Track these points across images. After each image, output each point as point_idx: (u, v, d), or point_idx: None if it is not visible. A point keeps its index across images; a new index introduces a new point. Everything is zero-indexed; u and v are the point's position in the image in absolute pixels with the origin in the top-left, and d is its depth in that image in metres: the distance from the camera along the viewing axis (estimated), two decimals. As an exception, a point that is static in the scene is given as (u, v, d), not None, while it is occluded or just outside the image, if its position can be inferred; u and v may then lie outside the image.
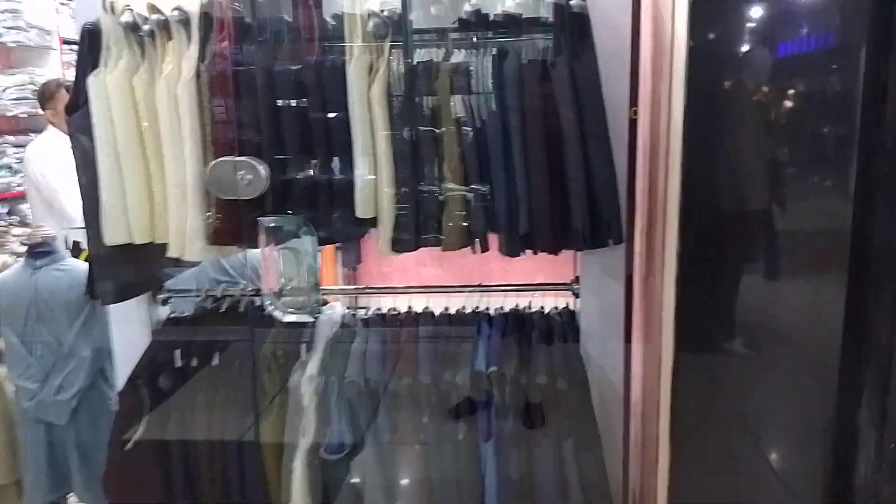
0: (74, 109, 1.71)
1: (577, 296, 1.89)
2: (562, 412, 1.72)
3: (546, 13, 1.71)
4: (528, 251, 1.73)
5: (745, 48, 1.60)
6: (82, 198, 1.73)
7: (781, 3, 1.61)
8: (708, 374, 1.81)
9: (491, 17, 1.59)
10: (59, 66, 4.22)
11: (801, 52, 1.55)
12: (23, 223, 3.85)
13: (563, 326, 1.90)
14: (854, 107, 1.38)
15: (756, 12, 1.67)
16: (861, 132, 1.35)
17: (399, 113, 1.66)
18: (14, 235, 3.75)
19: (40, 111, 3.97)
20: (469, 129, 1.67)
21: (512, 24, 1.59)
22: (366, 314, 1.95)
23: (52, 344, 2.02)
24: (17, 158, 3.85)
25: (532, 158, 1.64)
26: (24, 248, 2.07)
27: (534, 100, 1.64)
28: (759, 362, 1.80)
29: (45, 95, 3.18)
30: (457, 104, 1.70)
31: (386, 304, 2.03)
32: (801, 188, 1.68)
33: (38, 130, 4.09)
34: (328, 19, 1.78)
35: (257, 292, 1.93)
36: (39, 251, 2.02)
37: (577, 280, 1.89)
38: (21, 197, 3.91)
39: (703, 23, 1.60)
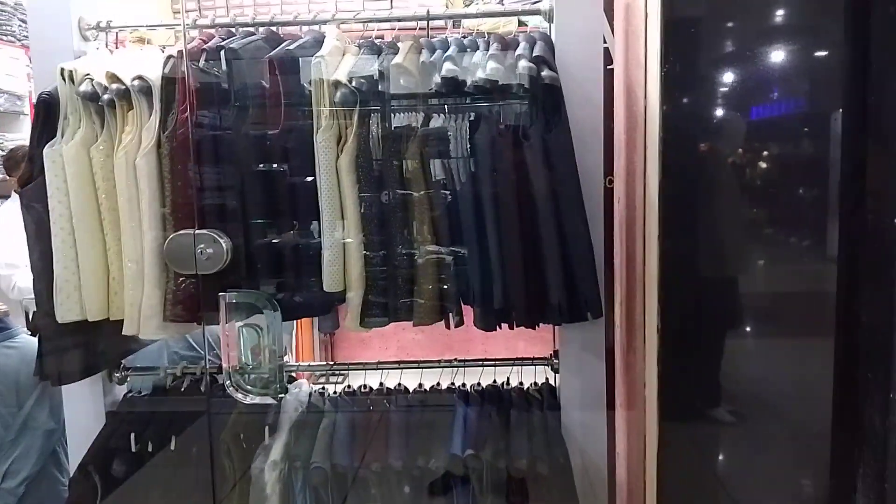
0: (28, 181, 1.64)
1: (556, 371, 1.81)
2: (543, 497, 1.62)
3: (518, 88, 1.69)
4: (504, 325, 1.67)
5: (718, 117, 1.58)
6: (33, 273, 1.64)
7: (753, 70, 1.59)
8: (695, 450, 1.72)
9: (466, 86, 1.56)
10: (29, 132, 4.15)
11: (775, 116, 1.54)
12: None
13: (543, 404, 1.81)
14: (830, 168, 1.36)
15: (728, 81, 1.66)
16: (840, 193, 1.32)
17: (372, 185, 1.60)
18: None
19: (6, 177, 3.91)
20: (443, 199, 1.62)
21: (487, 90, 1.56)
22: (334, 392, 1.85)
23: (-3, 427, 1.89)
24: (-19, 225, 3.74)
25: (506, 231, 1.59)
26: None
27: (507, 171, 1.60)
28: (748, 435, 1.73)
29: (11, 163, 3.11)
30: (433, 173, 1.65)
31: (360, 377, 1.94)
32: (780, 253, 1.64)
33: (4, 195, 4.01)
34: (306, 85, 1.74)
35: (220, 370, 1.83)
36: (-11, 327, 1.91)
37: (555, 354, 1.82)
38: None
39: (676, 95, 1.58)
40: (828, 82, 1.41)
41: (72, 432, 1.82)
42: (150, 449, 1.74)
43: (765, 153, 1.62)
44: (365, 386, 1.88)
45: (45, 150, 1.61)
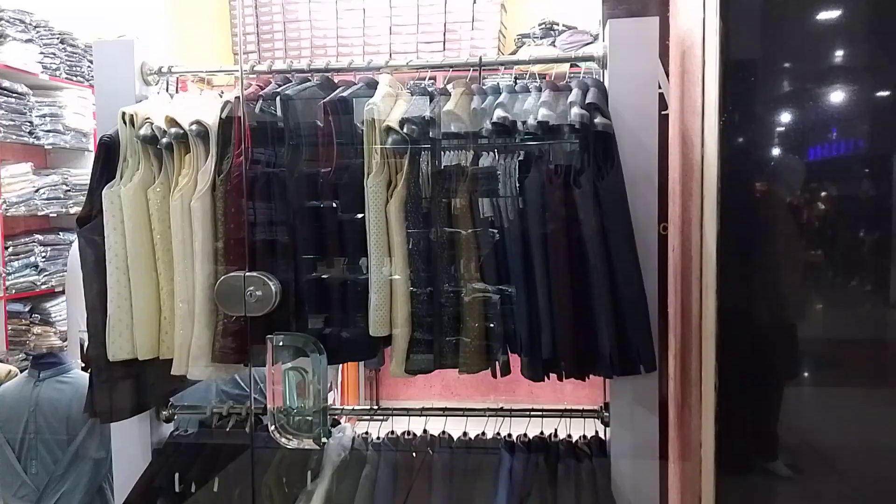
0: (86, 221, 1.68)
1: (606, 424, 1.75)
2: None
3: (571, 135, 1.67)
4: (552, 375, 1.62)
5: (777, 163, 1.53)
6: (87, 311, 1.67)
7: (813, 113, 1.54)
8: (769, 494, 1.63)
9: (518, 132, 1.55)
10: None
11: (835, 157, 1.48)
12: (45, 321, 3.83)
13: (592, 458, 1.74)
14: (893, 210, 1.30)
15: (787, 125, 1.61)
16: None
17: (421, 222, 1.59)
18: (34, 334, 3.73)
19: (71, 210, 4.05)
20: (493, 251, 1.60)
21: (541, 130, 1.54)
22: (377, 438, 1.83)
23: (48, 462, 1.92)
24: (43, 257, 3.88)
25: (556, 279, 1.56)
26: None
27: (558, 217, 1.57)
28: (809, 490, 1.64)
29: None
30: (483, 211, 1.64)
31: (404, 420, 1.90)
32: (842, 298, 1.57)
33: (67, 229, 4.16)
34: (358, 130, 1.75)
35: (265, 411, 1.82)
36: (44, 362, 1.95)
37: (606, 407, 1.76)
38: (44, 295, 3.91)
39: (734, 141, 1.54)
40: (889, 122, 1.36)
41: (118, 468, 1.83)
42: (193, 490, 1.73)
43: (825, 196, 1.56)
44: (409, 432, 1.84)
45: (105, 191, 1.65)
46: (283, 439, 1.58)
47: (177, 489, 1.73)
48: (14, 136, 3.69)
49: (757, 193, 1.60)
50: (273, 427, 1.60)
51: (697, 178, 1.57)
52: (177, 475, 1.73)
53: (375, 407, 1.85)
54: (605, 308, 1.55)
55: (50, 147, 3.96)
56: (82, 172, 4.22)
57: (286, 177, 1.65)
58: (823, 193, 1.53)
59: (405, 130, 1.58)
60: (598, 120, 1.57)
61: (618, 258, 1.56)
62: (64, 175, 4.06)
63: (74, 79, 4.14)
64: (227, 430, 1.82)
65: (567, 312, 1.56)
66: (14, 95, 3.69)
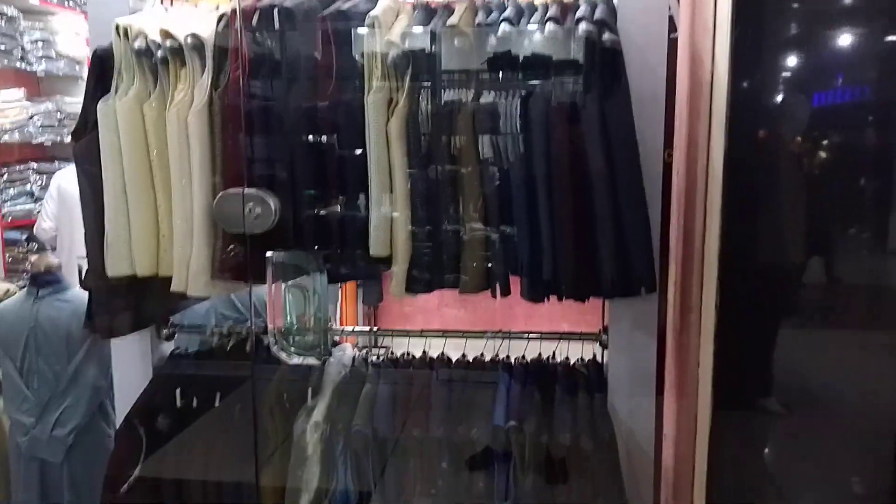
0: (81, 136, 1.65)
1: (604, 347, 1.76)
2: (586, 474, 1.58)
3: (578, 52, 1.63)
4: (553, 297, 1.62)
5: (792, 89, 1.50)
6: (85, 227, 1.66)
7: (830, 40, 1.51)
8: (748, 437, 1.67)
9: (520, 59, 1.51)
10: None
11: (854, 98, 1.45)
12: (41, 249, 3.82)
13: (589, 380, 1.76)
14: None
15: (803, 51, 1.57)
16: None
17: (422, 151, 1.57)
18: (31, 262, 3.72)
19: (66, 139, 4.00)
20: (495, 169, 1.58)
21: (541, 65, 1.51)
22: (377, 358, 1.84)
23: (49, 377, 1.93)
24: (39, 185, 3.85)
25: (559, 199, 1.54)
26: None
27: (561, 142, 1.54)
28: (803, 425, 1.66)
29: None
30: (484, 145, 1.61)
31: (404, 345, 1.92)
32: (851, 240, 1.56)
33: (63, 158, 4.11)
34: (357, 58, 1.71)
35: (265, 331, 1.83)
36: (43, 280, 1.95)
37: (605, 330, 1.76)
38: (42, 223, 3.89)
39: (747, 63, 1.50)
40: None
41: (119, 385, 1.85)
42: (194, 406, 1.75)
43: (839, 135, 1.54)
44: (408, 354, 1.86)
45: (99, 106, 1.61)
46: (284, 355, 1.59)
47: (178, 405, 1.75)
48: (5, 62, 3.62)
49: (768, 113, 1.57)
50: (274, 344, 1.61)
51: (706, 97, 1.54)
52: (178, 391, 1.74)
53: (376, 328, 1.85)
54: (608, 229, 1.53)
55: (43, 74, 3.89)
56: (76, 101, 4.14)
57: (283, 95, 1.62)
58: (840, 124, 1.50)
59: (407, 45, 1.54)
60: (606, 36, 1.53)
61: (622, 178, 1.54)
62: (58, 103, 3.99)
63: (67, 3, 4.02)
64: (228, 349, 1.83)
65: (569, 232, 1.55)
66: (3, 18, 3.60)
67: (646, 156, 1.58)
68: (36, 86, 4.03)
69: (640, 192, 1.57)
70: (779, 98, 1.46)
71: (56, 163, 4.03)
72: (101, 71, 1.64)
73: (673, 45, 1.82)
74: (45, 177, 3.89)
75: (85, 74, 4.21)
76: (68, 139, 4.03)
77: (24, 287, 2.02)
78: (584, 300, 1.62)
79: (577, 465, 1.60)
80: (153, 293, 1.72)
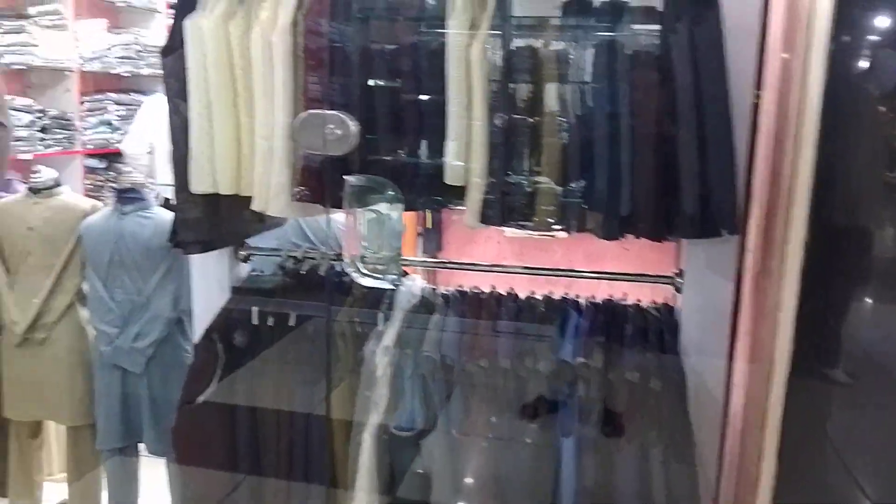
0: (169, 52, 1.68)
1: (678, 290, 1.73)
2: (653, 415, 1.57)
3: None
4: (629, 236, 1.59)
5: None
6: (172, 143, 1.69)
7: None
8: (826, 392, 1.62)
9: (596, 4, 1.46)
10: (163, 29, 4.31)
11: None
12: (119, 178, 3.95)
13: (661, 323, 1.74)
14: None
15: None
16: None
17: (504, 70, 1.55)
18: (110, 191, 3.86)
19: (142, 72, 4.09)
20: (577, 99, 1.55)
21: (617, 12, 1.45)
22: (447, 291, 1.85)
23: (132, 291, 2.02)
24: (118, 115, 3.96)
25: (641, 134, 1.49)
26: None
27: (647, 72, 1.49)
28: (887, 387, 1.61)
29: None
30: (561, 91, 1.58)
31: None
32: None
33: (139, 90, 4.21)
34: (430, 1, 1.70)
35: (338, 258, 1.87)
36: (127, 197, 2.02)
37: (679, 274, 1.73)
38: (118, 154, 4.02)
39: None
40: None
41: (197, 302, 1.92)
42: (269, 325, 1.81)
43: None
44: (476, 288, 1.86)
45: (186, 22, 1.63)
46: (358, 276, 1.61)
47: (254, 323, 1.80)
48: (88, -9, 3.70)
49: (872, 51, 1.49)
50: (349, 266, 1.63)
51: (803, 30, 1.46)
52: (254, 309, 1.80)
53: (442, 261, 1.86)
54: (692, 166, 1.49)
55: (122, 5, 3.95)
56: (152, 34, 4.22)
57: (366, 18, 1.61)
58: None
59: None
60: (701, -37, 1.46)
61: (709, 113, 1.48)
62: (136, 35, 4.07)
63: (146, -66, 4.07)
64: (302, 272, 1.87)
65: (650, 168, 1.51)
66: (88, -53, 3.67)
67: (733, 90, 1.52)
68: (115, 17, 4.10)
69: (727, 130, 1.51)
70: (891, 31, 1.37)
71: (131, 94, 4.13)
72: (190, -13, 1.65)
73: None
74: (123, 108, 4.00)
75: (161, 8, 4.28)
76: (145, 71, 4.13)
77: (109, 203, 2.10)
78: (660, 240, 1.59)
79: (644, 406, 1.59)
80: (233, 213, 1.76)
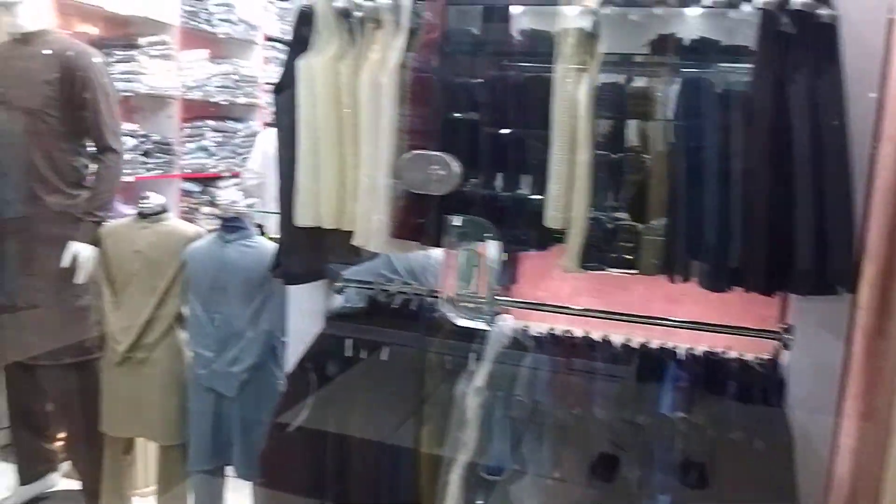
0: (281, 90, 1.74)
1: (786, 347, 1.66)
2: (757, 478, 1.50)
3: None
4: (735, 288, 1.54)
5: None
6: (279, 177, 1.75)
7: None
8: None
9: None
10: (260, 60, 4.49)
11: None
12: (212, 203, 4.11)
13: (766, 379, 1.66)
14: None
15: None
16: None
17: (612, 112, 1.54)
18: (203, 214, 4.02)
19: (238, 100, 4.26)
20: (685, 145, 1.51)
21: (759, 16, 1.42)
22: (539, 333, 1.83)
23: (230, 316, 2.08)
24: (214, 142, 4.12)
25: (756, 183, 1.45)
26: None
27: (764, 119, 1.44)
28: None
29: None
30: (667, 134, 1.55)
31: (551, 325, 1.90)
32: None
33: (235, 118, 4.39)
34: (515, 35, 1.72)
35: (430, 294, 1.87)
36: (232, 226, 2.09)
37: (788, 329, 1.65)
38: (212, 179, 4.19)
39: None
40: None
41: (292, 331, 1.96)
42: (361, 358, 1.82)
43: None
44: (569, 331, 1.83)
45: (300, 62, 1.69)
46: (455, 316, 1.61)
47: (347, 355, 1.82)
48: (193, 23, 3.88)
49: None
50: (444, 305, 1.64)
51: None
52: (348, 341, 1.82)
53: (538, 303, 1.84)
54: (808, 219, 1.43)
55: (223, 36, 4.14)
56: (250, 65, 4.40)
57: (478, 60, 1.63)
58: None
59: (607, 10, 1.49)
60: (822, 11, 1.42)
61: (828, 165, 1.43)
62: (235, 65, 4.25)
63: (248, -30, 4.27)
64: (394, 307, 1.89)
65: (763, 219, 1.45)
66: (193, -19, 3.87)
67: (853, 142, 1.46)
68: (216, 47, 4.29)
69: (846, 182, 1.45)
70: None
71: (228, 122, 4.30)
72: (303, 28, 1.71)
73: (890, 25, 1.66)
74: (219, 135, 4.17)
75: (259, 40, 4.47)
76: (241, 100, 4.30)
77: (213, 231, 2.17)
78: (770, 294, 1.53)
79: (748, 466, 1.52)
80: (333, 247, 1.80)
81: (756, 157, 1.44)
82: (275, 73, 4.67)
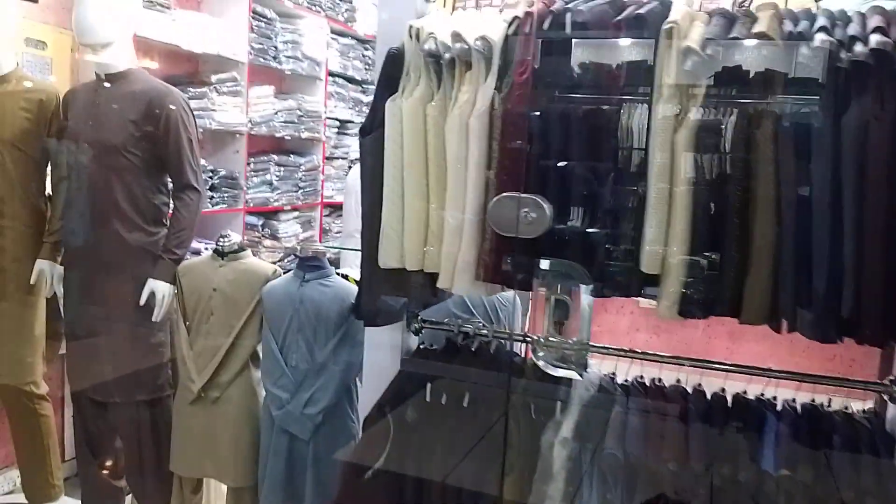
0: (367, 132, 1.73)
1: (893, 400, 1.56)
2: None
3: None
4: (847, 338, 1.45)
5: None
6: (363, 218, 1.74)
7: None
8: None
9: (843, 56, 1.36)
10: (323, 96, 4.55)
11: None
12: (273, 237, 4.15)
13: (872, 434, 1.56)
14: None
15: None
16: None
17: (711, 158, 1.48)
18: (265, 247, 4.05)
19: (301, 135, 4.32)
20: (793, 187, 1.45)
21: (873, 58, 1.35)
22: (626, 381, 1.76)
23: (306, 357, 2.06)
24: (277, 176, 4.17)
25: (873, 229, 1.37)
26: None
27: (882, 160, 1.37)
28: None
29: None
30: (781, 161, 1.48)
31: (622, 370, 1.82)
32: None
33: (299, 152, 4.45)
34: (575, 67, 1.68)
35: (512, 337, 1.83)
36: (310, 264, 2.08)
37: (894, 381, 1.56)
38: (275, 212, 4.23)
39: None
40: None
41: (369, 371, 1.93)
42: (442, 402, 1.78)
43: None
44: (658, 380, 1.76)
45: (387, 104, 1.68)
46: (544, 363, 1.56)
47: (427, 399, 1.78)
48: (261, 60, 3.96)
49: None
50: (535, 352, 1.59)
51: None
52: (427, 386, 1.78)
53: (626, 349, 1.77)
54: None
55: (289, 72, 4.21)
56: (313, 100, 4.46)
57: (566, 100, 1.60)
58: None
59: (708, 52, 1.45)
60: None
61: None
62: (299, 100, 4.31)
63: (312, 8, 4.34)
64: (473, 350, 1.84)
65: (880, 266, 1.37)
66: (264, 20, 3.95)
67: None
68: (281, 83, 4.37)
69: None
70: None
71: (291, 156, 4.35)
72: (392, 70, 1.71)
73: None
74: (282, 169, 4.22)
75: (322, 75, 4.53)
76: (304, 134, 4.35)
77: (290, 270, 2.17)
78: (883, 346, 1.44)
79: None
80: (413, 287, 1.77)
81: (875, 197, 1.37)
82: (335, 108, 4.76)
